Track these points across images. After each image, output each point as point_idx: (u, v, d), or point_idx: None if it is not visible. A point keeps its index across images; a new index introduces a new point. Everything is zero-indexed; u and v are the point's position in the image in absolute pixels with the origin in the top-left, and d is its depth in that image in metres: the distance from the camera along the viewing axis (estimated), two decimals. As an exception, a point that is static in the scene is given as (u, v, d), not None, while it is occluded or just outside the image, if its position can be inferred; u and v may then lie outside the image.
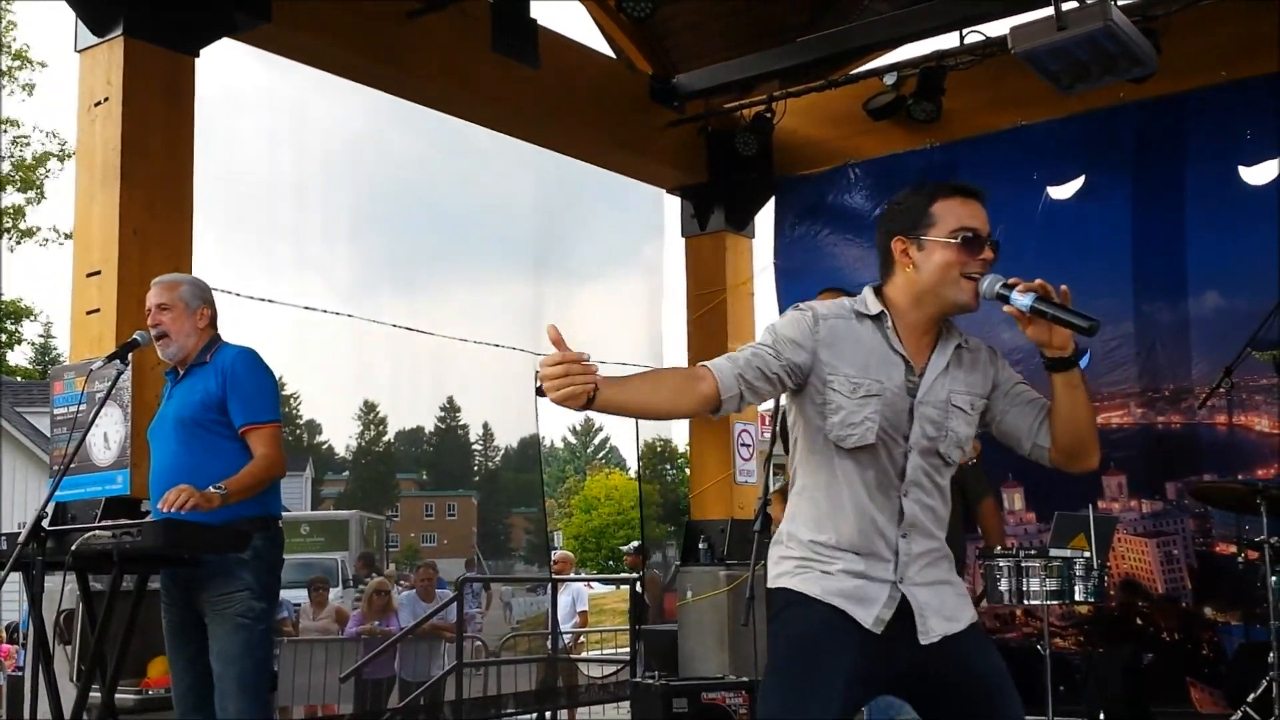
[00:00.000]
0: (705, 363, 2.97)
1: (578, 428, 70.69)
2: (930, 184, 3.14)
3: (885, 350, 3.02)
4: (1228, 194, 7.94)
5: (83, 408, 6.00)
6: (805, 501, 3.08)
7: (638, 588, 12.14)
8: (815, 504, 3.05)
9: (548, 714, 10.81)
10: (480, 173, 10.69)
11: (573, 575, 13.95)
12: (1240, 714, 6.31)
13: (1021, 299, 2.90)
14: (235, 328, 4.87)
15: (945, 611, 3.02)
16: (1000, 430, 3.20)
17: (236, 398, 4.51)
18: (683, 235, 10.61)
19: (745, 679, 6.84)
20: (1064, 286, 2.93)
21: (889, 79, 8.93)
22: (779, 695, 2.96)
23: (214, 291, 4.93)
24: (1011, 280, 2.94)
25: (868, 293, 3.10)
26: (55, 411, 6.66)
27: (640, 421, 11.10)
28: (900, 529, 3.00)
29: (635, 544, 17.48)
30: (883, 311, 3.04)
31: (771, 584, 3.11)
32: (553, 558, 14.99)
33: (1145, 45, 7.01)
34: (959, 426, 3.04)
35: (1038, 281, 2.92)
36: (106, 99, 6.57)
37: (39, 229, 27.33)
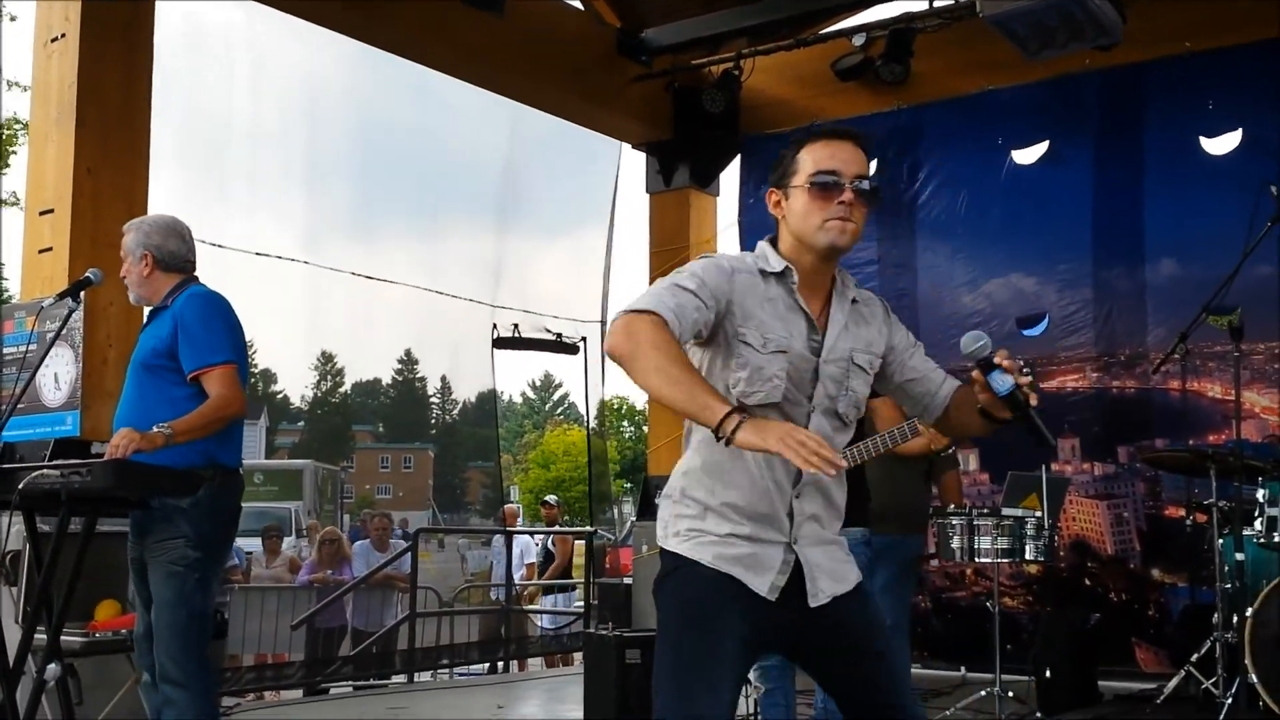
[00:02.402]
0: (655, 309, 2.74)
1: (536, 383, 70.71)
2: (804, 131, 3.08)
3: (790, 307, 2.93)
4: (1188, 163, 7.99)
5: (33, 347, 5.92)
6: (700, 456, 2.96)
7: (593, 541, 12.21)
8: (712, 460, 2.92)
9: (499, 664, 10.85)
10: (447, 124, 10.61)
11: (528, 528, 13.95)
12: (1183, 673, 6.41)
13: (1002, 382, 2.83)
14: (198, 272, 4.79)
15: (835, 573, 2.98)
16: (891, 393, 3.17)
17: (185, 343, 4.42)
18: (647, 191, 10.58)
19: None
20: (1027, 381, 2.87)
21: (858, 40, 8.91)
22: (670, 667, 2.87)
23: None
24: (1000, 354, 2.85)
25: (767, 249, 3.00)
26: (4, 351, 6.53)
27: (601, 379, 11.16)
28: (795, 490, 2.92)
29: (552, 496, 17.54)
30: (787, 267, 2.94)
31: (661, 541, 3.02)
32: (501, 510, 15.04)
33: (1111, 13, 7.03)
34: (858, 386, 2.99)
35: (1025, 378, 2.86)
36: (64, 35, 6.47)
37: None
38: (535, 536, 13.84)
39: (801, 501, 2.93)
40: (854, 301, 3.03)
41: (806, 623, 2.95)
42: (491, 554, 12.67)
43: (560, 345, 10.56)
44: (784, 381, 2.88)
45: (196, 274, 4.73)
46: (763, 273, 2.95)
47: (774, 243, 3.02)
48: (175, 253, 4.66)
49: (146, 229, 4.67)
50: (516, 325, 10.24)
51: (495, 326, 10.26)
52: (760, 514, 2.91)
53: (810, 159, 2.94)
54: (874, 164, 9.04)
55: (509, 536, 12.64)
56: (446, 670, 10.41)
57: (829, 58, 9.15)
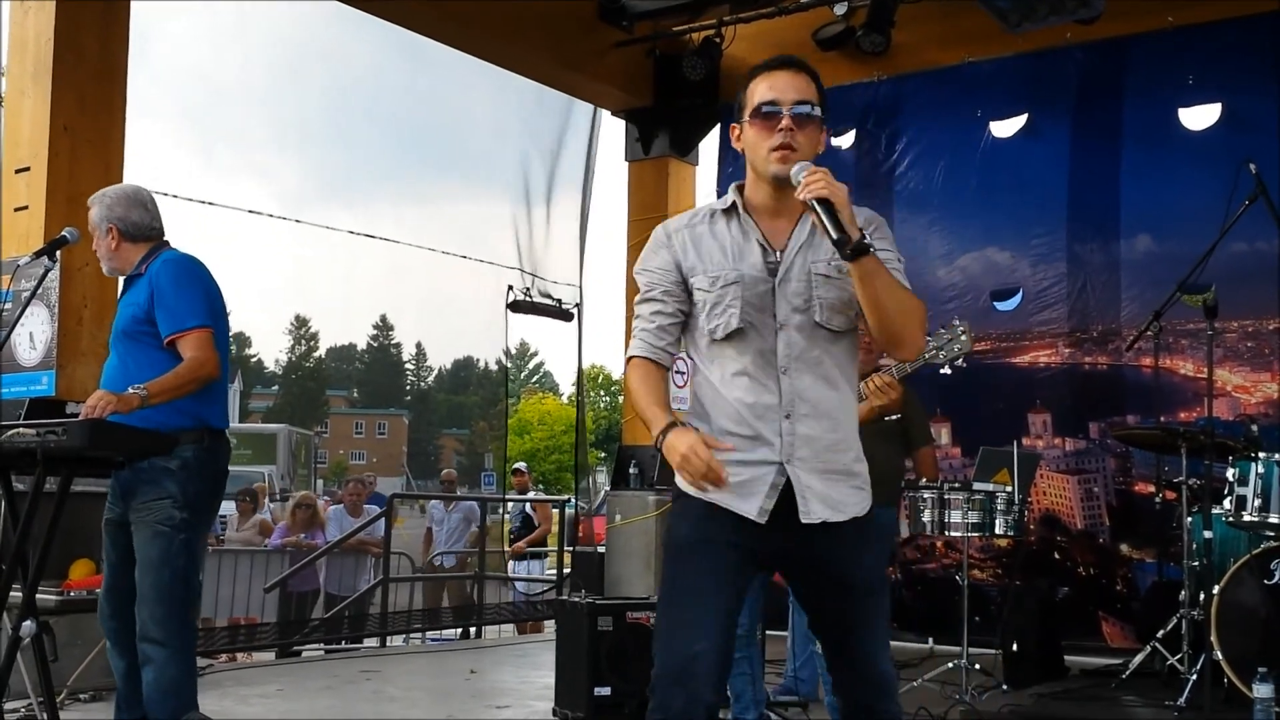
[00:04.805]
0: (634, 354, 3.11)
1: (511, 351, 70.63)
2: (757, 66, 3.14)
3: (741, 238, 3.07)
4: (1166, 138, 8.02)
5: (8, 306, 5.88)
6: (694, 394, 3.14)
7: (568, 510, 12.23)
8: (703, 395, 3.10)
9: (472, 630, 10.89)
10: (435, 87, 10.55)
11: (505, 495, 13.97)
12: (1149, 649, 6.47)
13: (797, 175, 2.90)
14: (171, 232, 4.77)
15: (831, 499, 3.02)
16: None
17: (160, 309, 4.44)
18: (626, 159, 10.56)
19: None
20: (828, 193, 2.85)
21: (839, 9, 8.88)
22: (663, 603, 3.05)
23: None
24: (812, 169, 2.90)
25: (731, 188, 3.16)
26: (-20, 309, 6.52)
27: (579, 348, 11.19)
28: (783, 409, 3.00)
29: (522, 464, 17.58)
30: (734, 203, 3.10)
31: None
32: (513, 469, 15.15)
33: (1093, -14, 7.04)
34: (827, 293, 3.02)
35: (821, 182, 2.86)
36: (41, -10, 6.41)
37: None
38: (510, 504, 13.86)
39: (791, 423, 3.00)
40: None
41: (798, 546, 3.03)
42: (430, 520, 12.66)
43: (560, 311, 10.61)
44: (739, 309, 3.01)
45: (167, 239, 4.73)
46: (715, 214, 3.12)
47: (740, 184, 3.17)
48: (139, 223, 4.66)
49: (108, 202, 4.67)
50: (528, 289, 10.29)
51: (511, 289, 10.27)
52: (752, 435, 3.01)
53: (755, 92, 3.05)
54: (852, 134, 9.23)
55: (446, 502, 12.71)
56: (419, 635, 10.44)
57: (810, 26, 9.13)
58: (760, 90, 3.04)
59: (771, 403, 3.01)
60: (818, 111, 3.04)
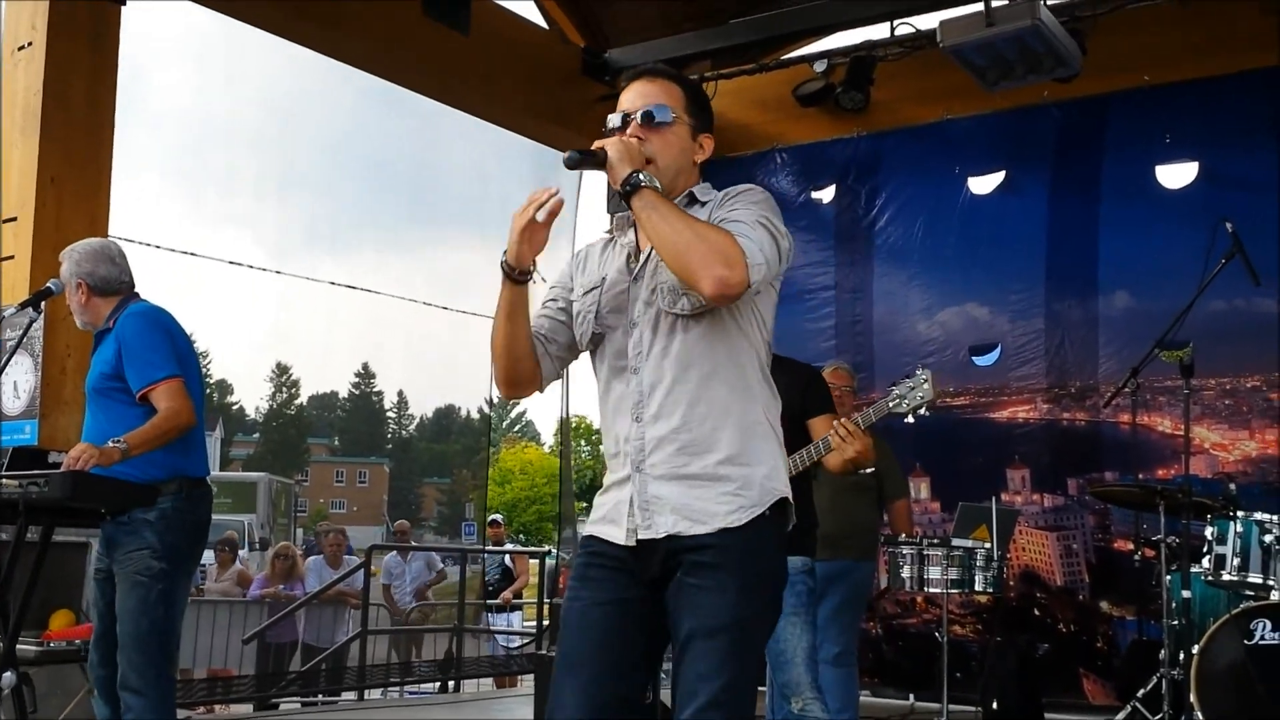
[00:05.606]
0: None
1: (494, 400, 70.52)
2: None
3: (615, 250, 2.97)
4: (1144, 196, 8.08)
5: (-7, 356, 5.89)
6: None
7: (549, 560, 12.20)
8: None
9: (450, 683, 10.83)
10: (423, 139, 10.62)
11: (487, 547, 13.95)
12: (1130, 708, 6.46)
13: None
14: (155, 281, 4.83)
15: (688, 510, 2.70)
16: None
17: (129, 364, 4.49)
18: (608, 211, 10.59)
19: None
20: None
21: (819, 66, 8.99)
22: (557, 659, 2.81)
23: (130, 245, 4.88)
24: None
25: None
26: (-36, 359, 6.53)
27: (565, 398, 11.18)
28: (634, 411, 2.79)
29: (499, 515, 17.55)
30: (620, 216, 2.98)
31: None
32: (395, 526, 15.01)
33: (1071, 45, 7.13)
34: (667, 276, 2.76)
35: (606, 140, 2.82)
36: (30, 44, 6.46)
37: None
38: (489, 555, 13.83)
39: (641, 426, 2.78)
40: (697, 205, 2.91)
41: (661, 567, 2.72)
42: (387, 574, 12.55)
43: None
44: (593, 312, 2.88)
45: (137, 290, 4.77)
46: (613, 235, 3.01)
47: None
48: (107, 277, 4.71)
49: (76, 257, 4.73)
50: None
51: None
52: (619, 450, 2.83)
53: (618, 108, 2.97)
54: (832, 189, 9.30)
55: (404, 553, 12.67)
56: (397, 688, 10.38)
57: (791, 83, 9.22)
58: (619, 104, 2.96)
59: (630, 406, 2.80)
60: (670, 116, 2.89)
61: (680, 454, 2.73)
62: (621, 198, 2.74)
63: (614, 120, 2.94)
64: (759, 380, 2.84)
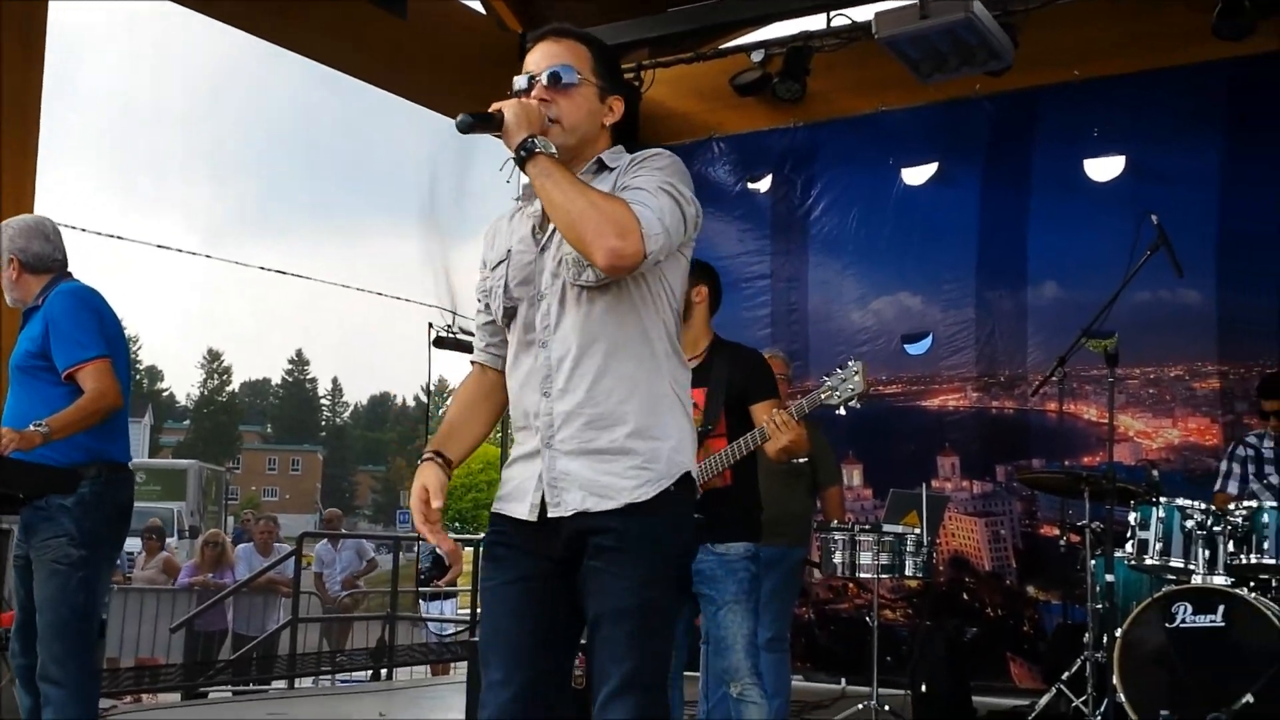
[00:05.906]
0: (472, 360, 3.05)
1: (431, 388, 70.16)
2: None
3: (520, 220, 2.88)
4: (1073, 188, 8.19)
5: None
6: None
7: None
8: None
9: (382, 671, 10.78)
10: (362, 123, 10.52)
11: (420, 536, 13.87)
12: (1055, 690, 6.55)
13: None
14: (83, 265, 4.74)
15: (599, 484, 2.67)
16: None
17: (56, 343, 4.41)
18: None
19: (584, 640, 6.88)
20: None
21: (756, 56, 9.02)
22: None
23: (59, 227, 4.79)
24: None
25: None
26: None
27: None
28: (542, 386, 2.74)
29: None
30: (526, 184, 2.80)
31: None
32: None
33: (1003, 39, 7.20)
34: (569, 245, 2.69)
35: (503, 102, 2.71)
36: (-46, 29, 6.34)
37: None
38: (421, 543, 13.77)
39: (550, 401, 2.73)
40: (598, 172, 2.84)
41: (571, 550, 2.69)
42: (319, 563, 12.50)
43: None
44: (500, 286, 2.82)
45: (70, 270, 4.69)
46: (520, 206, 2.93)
47: None
48: (40, 254, 4.63)
49: (10, 233, 4.65)
50: (449, 326, 10.19)
51: (432, 326, 10.19)
52: (527, 425, 2.78)
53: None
54: (769, 179, 9.34)
55: (335, 542, 12.61)
56: (329, 677, 10.32)
57: (728, 73, 9.25)
58: (523, 67, 2.85)
59: (534, 384, 2.76)
60: (576, 77, 2.80)
61: (588, 428, 2.70)
62: (516, 164, 2.67)
63: (520, 82, 2.82)
64: (667, 351, 2.80)
